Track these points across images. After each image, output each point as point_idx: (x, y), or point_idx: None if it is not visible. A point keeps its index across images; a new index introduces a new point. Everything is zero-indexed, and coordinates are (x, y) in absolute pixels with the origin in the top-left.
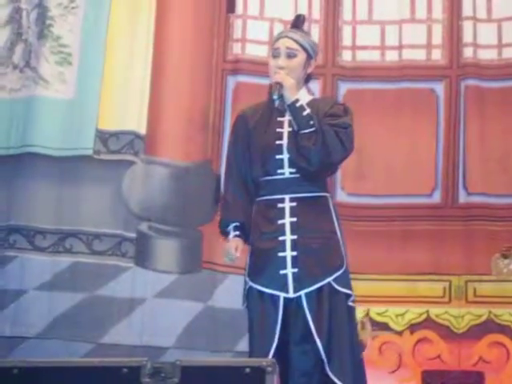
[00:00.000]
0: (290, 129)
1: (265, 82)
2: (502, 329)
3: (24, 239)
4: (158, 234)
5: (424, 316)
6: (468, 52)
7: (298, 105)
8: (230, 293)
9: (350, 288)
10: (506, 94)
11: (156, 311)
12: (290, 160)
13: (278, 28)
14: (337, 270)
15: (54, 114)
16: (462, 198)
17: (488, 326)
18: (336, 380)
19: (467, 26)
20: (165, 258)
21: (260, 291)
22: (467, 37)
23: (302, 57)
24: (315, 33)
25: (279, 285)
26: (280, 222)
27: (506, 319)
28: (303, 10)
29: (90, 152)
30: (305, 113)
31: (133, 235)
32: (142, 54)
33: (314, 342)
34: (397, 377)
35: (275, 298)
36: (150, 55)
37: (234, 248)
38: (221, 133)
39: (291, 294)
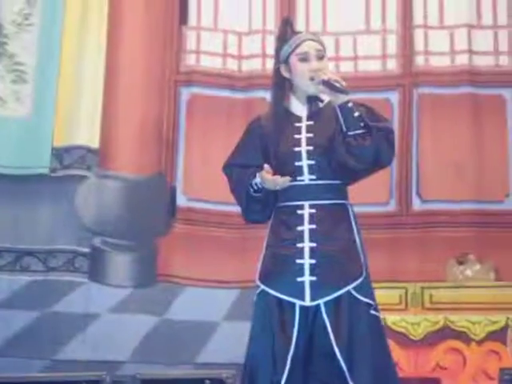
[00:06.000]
0: (309, 134)
1: (219, 93)
2: (458, 335)
3: None
4: (112, 249)
5: None
6: (420, 60)
7: (349, 106)
8: (188, 305)
9: (371, 297)
10: (459, 100)
11: (111, 326)
12: (309, 166)
13: (232, 40)
14: (356, 278)
15: (10, 133)
16: (417, 205)
17: (444, 333)
18: None
19: (418, 35)
20: (119, 272)
21: (279, 298)
22: (418, 45)
23: (326, 57)
24: (270, 43)
25: (295, 292)
26: (299, 228)
27: (461, 325)
28: (257, 22)
29: (46, 170)
30: (355, 114)
31: (86, 250)
32: (94, 68)
33: (335, 353)
34: None
35: (293, 306)
36: (103, 70)
37: (266, 172)
38: (174, 145)
39: (307, 303)
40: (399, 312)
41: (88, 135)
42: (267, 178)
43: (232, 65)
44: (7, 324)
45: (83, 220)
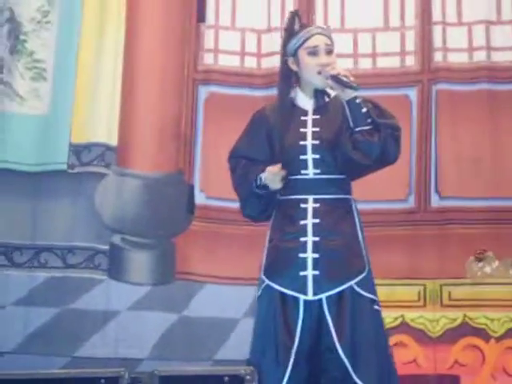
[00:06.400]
0: (315, 128)
1: (237, 91)
2: (477, 332)
3: (2, 256)
4: (131, 246)
5: (399, 320)
6: (438, 56)
7: (357, 101)
8: (206, 302)
9: (373, 292)
10: (477, 96)
11: (130, 323)
12: (314, 160)
13: (250, 38)
14: (359, 273)
15: (29, 130)
16: (435, 202)
17: (463, 330)
18: None
19: (437, 31)
20: (138, 269)
21: (282, 292)
22: (437, 41)
23: (334, 52)
24: None
25: (298, 286)
26: (302, 222)
27: (480, 322)
28: (276, 19)
29: (64, 167)
30: (363, 110)
31: (106, 247)
32: (113, 65)
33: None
34: None
35: (297, 300)
36: (121, 67)
37: (272, 167)
38: (193, 143)
39: (310, 297)
40: (418, 309)
41: (107, 133)
42: (268, 169)
43: (251, 63)
44: (27, 321)
45: (102, 217)
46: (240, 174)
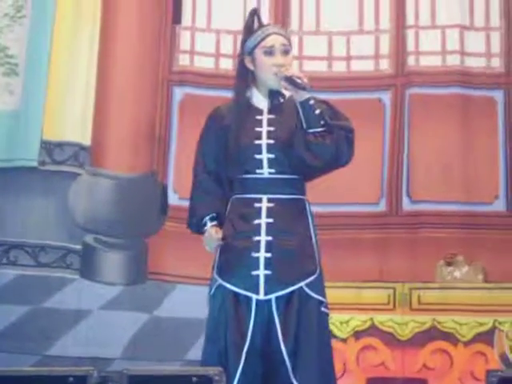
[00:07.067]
0: (270, 128)
1: (212, 93)
2: (446, 336)
3: None
4: (104, 246)
5: (368, 323)
6: (412, 60)
7: (310, 103)
8: (178, 302)
9: (323, 294)
10: (450, 100)
11: (102, 323)
12: (269, 160)
13: (226, 39)
14: (310, 274)
15: (0, 126)
16: (407, 205)
17: (432, 333)
18: None
19: (410, 35)
20: (110, 269)
21: (235, 291)
22: (410, 45)
23: (291, 52)
24: None
25: (250, 286)
26: (256, 221)
27: (449, 326)
28: None
29: (34, 163)
30: (316, 112)
31: (78, 247)
32: (86, 65)
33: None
34: None
35: (249, 299)
36: (95, 66)
37: (215, 231)
38: (167, 144)
39: (261, 296)
40: (387, 312)
41: (80, 132)
42: (212, 232)
43: (226, 64)
44: None
45: (75, 217)
46: (199, 193)
